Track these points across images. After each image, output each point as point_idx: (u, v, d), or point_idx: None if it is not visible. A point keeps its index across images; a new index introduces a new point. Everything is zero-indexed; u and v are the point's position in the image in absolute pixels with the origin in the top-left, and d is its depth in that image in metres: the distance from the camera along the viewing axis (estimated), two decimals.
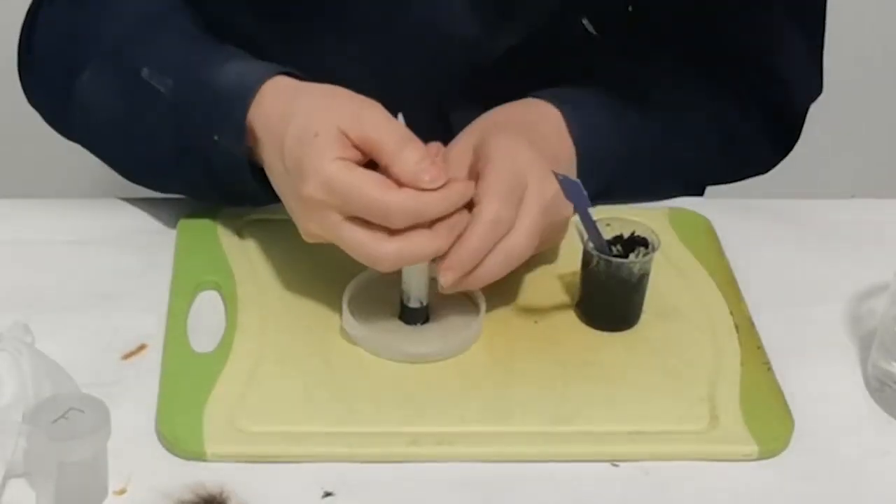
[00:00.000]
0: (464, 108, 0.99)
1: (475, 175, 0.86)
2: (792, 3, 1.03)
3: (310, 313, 0.90)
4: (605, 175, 0.96)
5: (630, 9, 1.00)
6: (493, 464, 0.81)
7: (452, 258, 0.83)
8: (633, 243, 0.90)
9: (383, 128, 0.83)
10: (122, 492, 0.78)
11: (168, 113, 0.92)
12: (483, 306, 0.90)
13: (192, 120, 0.91)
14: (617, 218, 0.91)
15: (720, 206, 1.04)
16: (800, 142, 1.11)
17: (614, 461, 0.82)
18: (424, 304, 0.88)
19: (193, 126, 0.91)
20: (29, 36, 1.03)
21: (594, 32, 1.00)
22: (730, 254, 0.99)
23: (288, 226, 0.96)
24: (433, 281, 0.86)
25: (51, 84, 1.01)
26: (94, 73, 0.96)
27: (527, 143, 0.88)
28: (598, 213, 0.89)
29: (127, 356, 0.87)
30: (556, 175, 0.86)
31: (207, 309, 0.91)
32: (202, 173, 0.93)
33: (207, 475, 0.79)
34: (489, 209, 0.83)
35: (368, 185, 0.81)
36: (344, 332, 0.88)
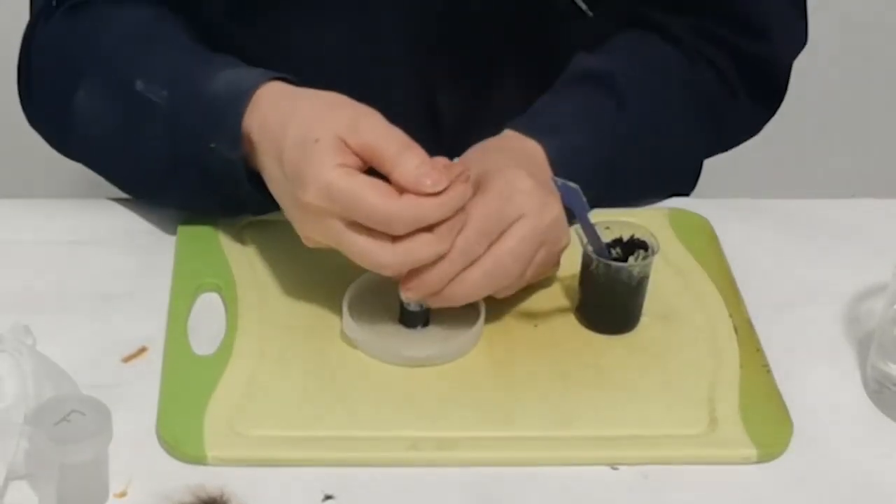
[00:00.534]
0: (450, 90, 1.00)
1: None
2: None
3: (310, 316, 0.90)
4: (590, 191, 0.96)
5: None
6: (493, 468, 0.81)
7: (413, 280, 0.84)
8: (633, 246, 0.90)
9: (382, 134, 0.83)
10: (123, 494, 0.78)
11: (164, 123, 0.92)
12: (483, 311, 0.90)
13: (188, 129, 0.91)
14: (616, 221, 0.91)
15: (720, 206, 1.04)
16: (800, 142, 1.11)
17: (614, 465, 0.82)
18: (424, 307, 0.88)
19: (189, 135, 0.91)
20: (26, 56, 1.03)
21: (588, 11, 1.00)
22: (729, 254, 0.99)
23: (288, 228, 0.96)
24: None
25: (48, 103, 1.01)
26: (88, 89, 0.96)
27: (526, 173, 0.88)
28: (598, 215, 0.89)
29: (127, 359, 0.88)
30: (555, 180, 0.86)
31: (208, 311, 0.91)
32: (200, 183, 0.93)
33: (208, 478, 0.79)
34: (460, 239, 0.84)
35: (369, 193, 0.81)
36: (344, 336, 0.88)
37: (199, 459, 0.80)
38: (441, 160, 0.85)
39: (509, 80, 1.04)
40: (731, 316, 0.93)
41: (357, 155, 0.83)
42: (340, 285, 0.91)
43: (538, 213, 0.87)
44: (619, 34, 1.04)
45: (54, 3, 1.00)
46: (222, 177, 0.91)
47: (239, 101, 0.88)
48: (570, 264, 0.94)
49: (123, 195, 1.02)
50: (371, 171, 0.84)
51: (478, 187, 0.86)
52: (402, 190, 0.82)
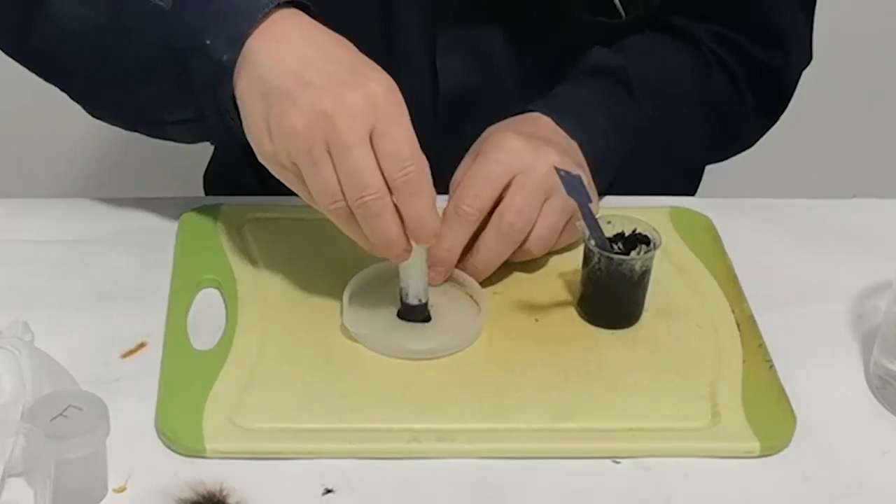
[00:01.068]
0: (452, 32, 1.01)
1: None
2: None
3: (310, 310, 0.90)
4: (608, 173, 0.96)
5: None
6: (493, 460, 0.81)
7: (431, 257, 0.87)
8: (635, 241, 0.90)
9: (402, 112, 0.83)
10: (122, 489, 0.78)
11: (160, 20, 0.88)
12: (485, 305, 0.89)
13: (189, 23, 0.87)
14: (618, 215, 0.91)
15: (721, 205, 1.04)
16: (800, 142, 1.11)
17: (615, 458, 0.82)
18: (424, 301, 0.88)
19: (188, 29, 0.87)
20: None
21: (623, 13, 1.01)
22: (731, 252, 0.99)
23: (288, 224, 0.96)
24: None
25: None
26: None
27: (517, 133, 0.89)
28: (600, 210, 0.89)
29: (126, 354, 0.87)
30: (558, 170, 0.86)
31: (207, 307, 0.91)
32: (175, 89, 0.88)
33: (207, 472, 0.79)
34: (450, 205, 0.86)
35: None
36: (344, 330, 0.88)
37: (198, 452, 0.80)
38: None
39: (506, 46, 1.05)
40: (733, 312, 0.92)
41: None
42: (340, 280, 0.91)
43: (531, 166, 0.88)
44: (635, 33, 1.04)
45: None
46: (202, 80, 0.87)
47: (258, 10, 0.84)
48: (572, 258, 0.94)
49: (124, 195, 1.02)
50: None
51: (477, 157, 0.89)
52: None
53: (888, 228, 1.04)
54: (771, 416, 0.84)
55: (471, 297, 0.91)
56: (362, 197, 0.81)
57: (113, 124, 0.97)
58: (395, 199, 0.82)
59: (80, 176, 1.03)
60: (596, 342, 0.89)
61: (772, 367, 0.88)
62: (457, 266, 0.91)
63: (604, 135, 0.98)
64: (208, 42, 0.86)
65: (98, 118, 0.97)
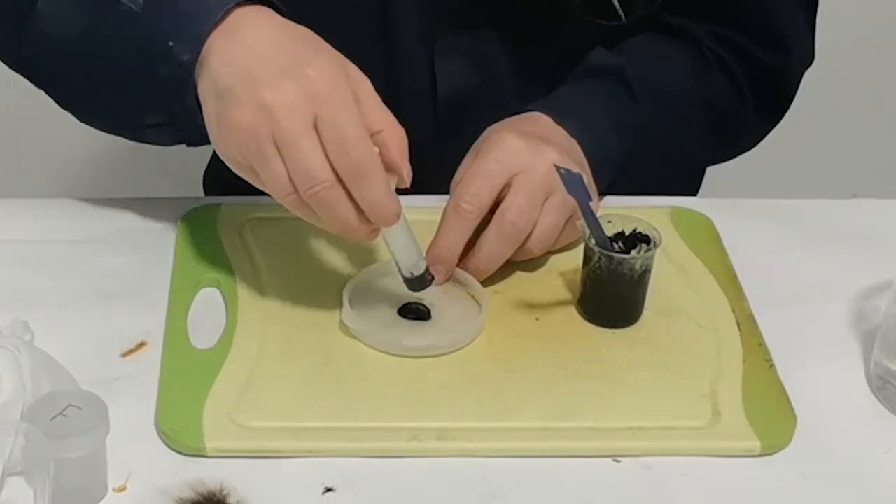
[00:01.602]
0: (450, 36, 1.02)
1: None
2: None
3: (310, 309, 0.90)
4: (609, 173, 0.96)
5: None
6: (493, 459, 0.81)
7: (432, 257, 0.88)
8: (635, 240, 0.90)
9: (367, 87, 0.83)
10: (122, 489, 0.78)
11: (131, 17, 0.88)
12: (485, 303, 0.89)
13: (157, 24, 0.87)
14: (618, 215, 0.91)
15: (721, 205, 1.04)
16: (800, 142, 1.11)
17: (616, 456, 0.82)
18: (421, 271, 0.87)
19: (156, 31, 0.87)
20: None
21: (622, 16, 1.01)
22: (731, 252, 0.99)
23: (288, 223, 0.96)
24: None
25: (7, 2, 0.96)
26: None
27: (517, 132, 0.90)
28: (600, 210, 0.89)
29: (126, 353, 0.87)
30: (558, 168, 0.86)
31: (207, 306, 0.91)
32: (147, 88, 0.88)
33: (207, 471, 0.79)
34: (450, 205, 0.87)
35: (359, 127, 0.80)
36: (343, 327, 0.88)
37: (198, 451, 0.80)
38: None
39: (505, 47, 1.05)
40: (733, 311, 0.92)
41: None
42: (340, 279, 0.91)
43: (531, 165, 0.89)
44: (635, 35, 1.04)
45: None
46: (169, 83, 0.87)
47: (216, 11, 0.85)
48: (572, 258, 0.94)
49: (124, 195, 1.02)
50: None
51: (477, 156, 0.90)
52: None
53: (888, 228, 1.04)
54: (771, 416, 0.84)
55: (472, 296, 0.91)
56: (312, 188, 0.81)
57: (98, 129, 0.97)
58: (346, 186, 0.81)
59: (80, 176, 1.03)
60: (596, 341, 0.89)
61: (772, 366, 0.88)
62: (458, 265, 0.91)
63: (604, 134, 0.98)
64: (171, 44, 0.86)
65: (86, 123, 0.98)
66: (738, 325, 0.91)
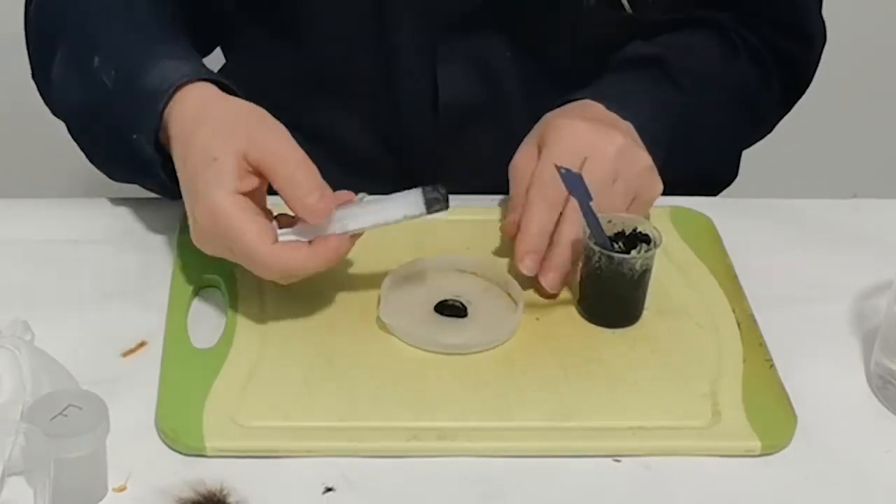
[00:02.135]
0: (451, 41, 1.02)
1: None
2: None
3: (310, 309, 0.90)
4: (657, 161, 0.97)
5: None
6: (494, 459, 0.81)
7: (525, 245, 0.88)
8: (635, 239, 0.90)
9: (277, 155, 0.84)
10: (123, 489, 0.78)
11: (109, 106, 0.92)
12: (522, 301, 0.90)
13: (122, 115, 0.91)
14: (618, 215, 0.91)
15: (721, 205, 1.04)
16: (800, 142, 1.11)
17: (616, 456, 0.81)
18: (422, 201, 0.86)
19: (122, 121, 0.91)
20: (26, 13, 1.03)
21: (629, 10, 1.01)
22: (731, 252, 0.99)
23: None
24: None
25: (36, 67, 1.02)
26: (62, 58, 0.97)
27: (582, 118, 0.91)
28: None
29: (127, 353, 0.87)
30: (558, 168, 0.86)
31: (208, 306, 0.91)
32: (136, 165, 0.92)
33: (207, 471, 0.79)
34: (534, 189, 0.88)
35: (249, 232, 0.83)
36: (380, 322, 0.88)
37: (198, 450, 0.80)
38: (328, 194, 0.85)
39: (508, 54, 1.05)
40: (733, 311, 0.92)
41: (255, 172, 0.84)
42: (339, 279, 0.92)
43: (601, 150, 0.90)
44: (643, 34, 1.04)
45: None
46: (148, 166, 0.90)
47: (159, 99, 0.88)
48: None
49: (124, 194, 1.02)
50: None
51: (542, 146, 0.91)
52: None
53: (888, 228, 1.04)
54: (771, 415, 0.84)
55: (508, 294, 0.91)
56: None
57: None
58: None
59: (80, 176, 1.02)
60: (597, 341, 0.89)
61: (772, 366, 0.88)
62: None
63: (651, 121, 0.98)
64: (135, 137, 0.90)
65: None
66: (739, 324, 0.91)
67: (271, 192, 0.87)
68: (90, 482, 0.77)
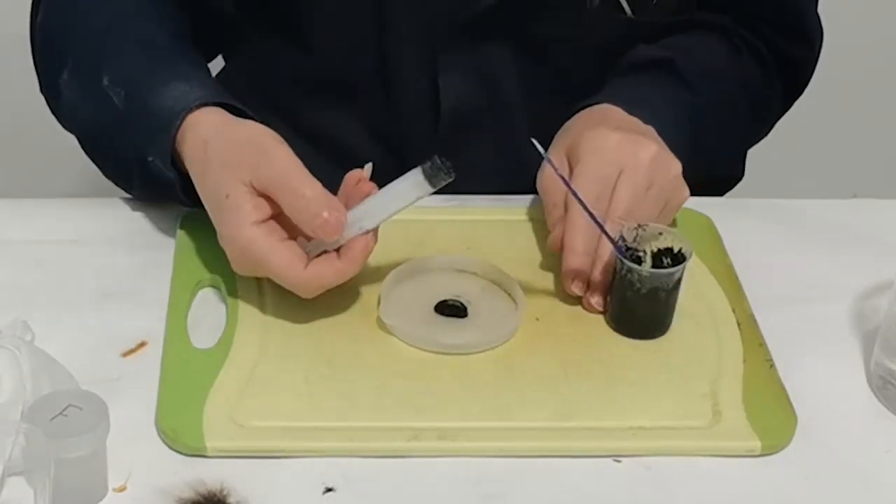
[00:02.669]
0: (453, 51, 1.02)
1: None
2: None
3: (310, 310, 0.90)
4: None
5: None
6: (494, 459, 0.81)
7: (567, 269, 0.89)
8: (666, 254, 0.89)
9: (280, 183, 0.85)
10: (123, 489, 0.78)
11: (119, 125, 0.94)
12: (522, 302, 0.90)
13: (135, 137, 0.93)
14: (670, 230, 0.90)
15: (721, 205, 1.04)
16: (800, 142, 1.12)
17: (616, 456, 0.82)
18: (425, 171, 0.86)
19: (135, 143, 0.92)
20: (31, 26, 1.04)
21: (630, 13, 1.01)
22: (731, 253, 0.99)
23: None
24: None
25: (44, 82, 1.03)
26: (70, 74, 0.98)
27: (610, 127, 0.91)
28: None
29: (127, 353, 0.87)
30: (563, 177, 0.86)
31: (208, 306, 0.91)
32: (148, 183, 0.94)
33: (208, 471, 0.79)
34: (573, 210, 0.88)
35: (277, 261, 0.86)
36: (380, 322, 0.88)
37: (198, 451, 0.80)
38: (335, 204, 0.86)
39: (510, 64, 1.05)
40: (733, 311, 0.92)
41: (266, 197, 0.86)
42: None
43: (633, 159, 0.90)
44: (645, 40, 1.04)
45: None
46: (166, 186, 0.92)
47: (171, 123, 0.90)
48: None
49: (124, 195, 1.02)
50: None
51: (573, 158, 0.91)
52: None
53: (888, 228, 1.04)
54: (772, 416, 0.84)
55: (508, 294, 0.91)
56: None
57: None
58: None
59: (80, 176, 1.02)
60: (597, 341, 0.89)
61: (772, 366, 0.88)
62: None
63: (671, 123, 0.98)
64: (150, 159, 0.91)
65: None
66: (739, 324, 0.91)
67: None
68: (90, 482, 0.77)
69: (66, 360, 0.83)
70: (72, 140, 1.01)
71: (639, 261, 0.88)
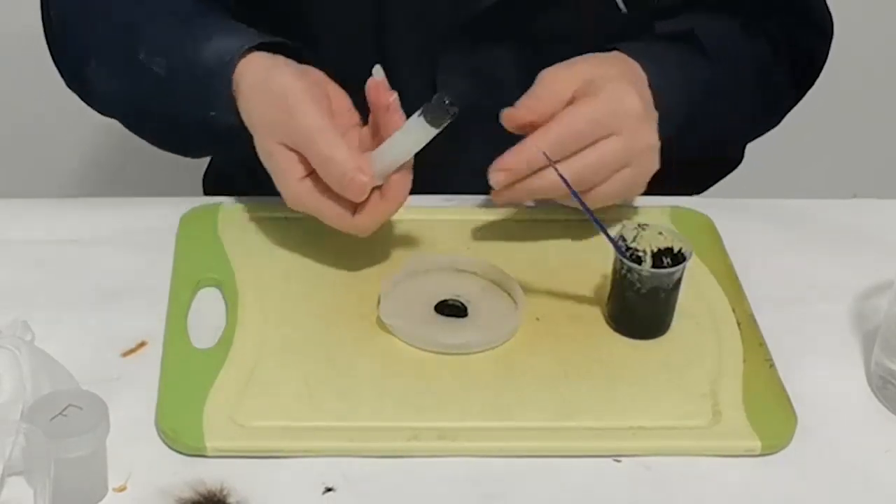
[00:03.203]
0: (452, 51, 1.02)
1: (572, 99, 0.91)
2: None
3: (310, 309, 0.90)
4: (669, 128, 0.96)
5: None
6: (494, 459, 0.81)
7: (500, 163, 0.90)
8: (672, 256, 0.89)
9: (308, 139, 0.88)
10: (123, 488, 0.78)
11: (167, 93, 0.95)
12: (522, 301, 0.90)
13: (188, 98, 0.93)
14: (668, 229, 0.90)
15: (720, 205, 1.04)
16: (800, 142, 1.11)
17: (616, 456, 0.81)
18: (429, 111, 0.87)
19: (191, 104, 0.93)
20: (45, 25, 1.04)
21: (623, 9, 1.01)
22: (731, 253, 0.99)
23: (288, 223, 0.96)
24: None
25: (67, 67, 1.03)
26: (98, 63, 0.99)
27: (637, 92, 0.91)
28: (605, 213, 0.89)
29: (127, 353, 0.87)
30: (562, 176, 0.86)
31: (208, 305, 0.91)
32: (215, 141, 0.96)
33: (208, 471, 0.79)
34: (553, 134, 0.89)
35: (328, 212, 0.89)
36: (380, 322, 0.88)
37: (198, 451, 0.80)
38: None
39: (510, 63, 1.04)
40: (733, 311, 0.92)
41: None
42: (339, 279, 0.92)
43: (633, 135, 0.90)
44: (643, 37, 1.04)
45: None
46: (230, 137, 0.93)
47: (224, 73, 0.91)
48: (569, 257, 0.95)
49: (123, 194, 1.02)
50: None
51: (587, 91, 0.90)
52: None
53: (888, 228, 1.04)
54: (772, 415, 0.84)
55: (508, 293, 0.91)
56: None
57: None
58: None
59: (80, 176, 1.03)
60: (597, 341, 0.89)
61: (772, 366, 0.88)
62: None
63: (677, 84, 0.97)
64: (213, 114, 0.93)
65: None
66: (739, 324, 0.91)
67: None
68: (90, 482, 0.77)
69: (66, 360, 0.83)
70: (72, 140, 1.01)
71: (639, 261, 0.89)
